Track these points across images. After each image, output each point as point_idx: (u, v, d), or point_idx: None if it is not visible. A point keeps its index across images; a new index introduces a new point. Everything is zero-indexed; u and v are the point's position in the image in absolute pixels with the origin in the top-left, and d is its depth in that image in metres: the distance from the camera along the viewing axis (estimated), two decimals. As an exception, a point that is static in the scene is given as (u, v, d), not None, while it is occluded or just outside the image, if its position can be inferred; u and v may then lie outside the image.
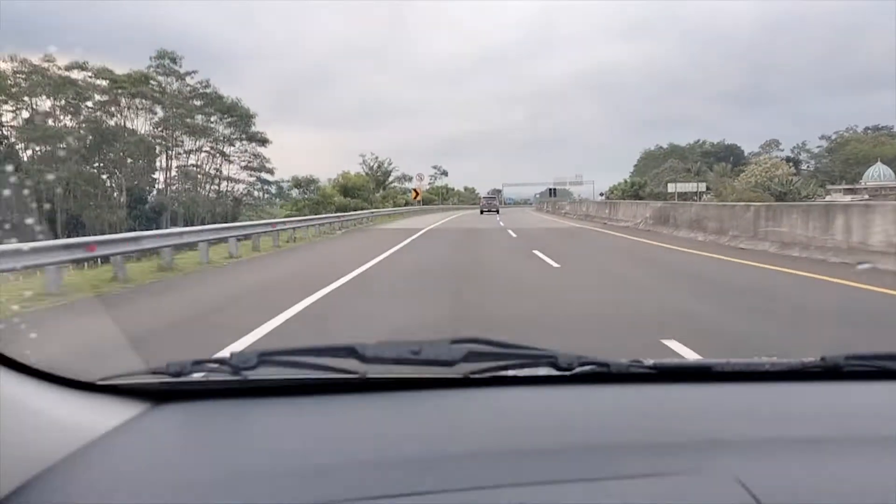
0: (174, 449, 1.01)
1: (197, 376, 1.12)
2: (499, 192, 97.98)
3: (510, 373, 1.18)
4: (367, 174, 66.08)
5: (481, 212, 53.87)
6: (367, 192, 55.05)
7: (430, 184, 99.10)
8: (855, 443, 1.01)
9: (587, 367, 1.18)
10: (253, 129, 52.98)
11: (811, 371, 1.24)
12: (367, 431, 1.06)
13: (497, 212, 53.13)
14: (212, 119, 51.86)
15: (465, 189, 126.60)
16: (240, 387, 1.14)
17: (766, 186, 51.84)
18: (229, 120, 52.10)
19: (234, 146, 52.98)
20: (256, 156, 53.75)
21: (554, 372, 1.17)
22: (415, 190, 62.74)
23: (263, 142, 53.38)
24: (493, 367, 1.16)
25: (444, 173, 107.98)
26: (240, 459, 0.95)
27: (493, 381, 1.19)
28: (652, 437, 1.01)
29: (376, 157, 71.41)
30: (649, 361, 1.23)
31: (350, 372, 1.13)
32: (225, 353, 1.12)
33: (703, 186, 66.15)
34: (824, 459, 0.95)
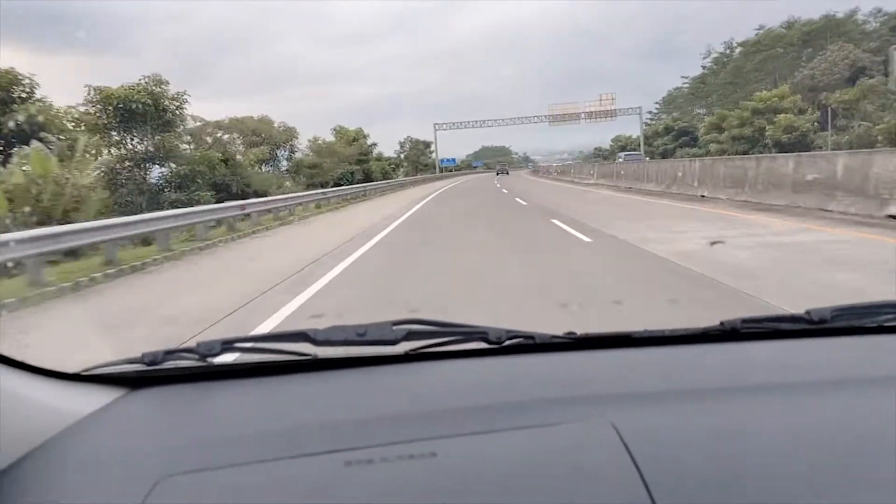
0: (149, 425, 1.13)
1: (168, 364, 1.23)
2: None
3: (445, 348, 1.29)
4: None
5: (497, 173, 76.45)
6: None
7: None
8: (742, 391, 1.14)
9: (515, 340, 1.30)
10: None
11: (713, 334, 1.38)
12: (319, 401, 1.18)
13: (507, 173, 74.57)
14: None
15: (341, 134, 51.31)
16: (206, 371, 1.26)
17: None
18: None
19: None
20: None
21: (485, 345, 1.30)
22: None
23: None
24: (430, 344, 1.28)
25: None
26: (207, 429, 1.09)
27: (431, 356, 1.31)
28: (556, 394, 1.13)
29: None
30: (577, 333, 1.34)
31: (303, 354, 1.25)
32: (192, 343, 1.26)
33: None
34: (707, 406, 1.07)
